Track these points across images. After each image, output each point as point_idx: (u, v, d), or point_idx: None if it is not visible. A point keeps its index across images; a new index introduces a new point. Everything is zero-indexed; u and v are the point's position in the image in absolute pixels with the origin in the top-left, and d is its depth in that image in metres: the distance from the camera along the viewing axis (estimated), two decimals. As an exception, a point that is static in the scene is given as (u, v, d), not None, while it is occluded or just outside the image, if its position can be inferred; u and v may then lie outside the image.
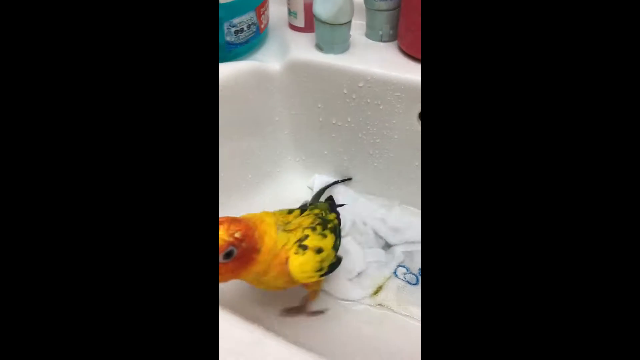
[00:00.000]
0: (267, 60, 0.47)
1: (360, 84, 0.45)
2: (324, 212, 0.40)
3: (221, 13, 0.41)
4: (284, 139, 0.53)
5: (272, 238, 0.33)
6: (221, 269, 0.30)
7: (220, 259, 0.29)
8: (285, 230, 0.35)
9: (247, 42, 0.45)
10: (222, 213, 0.47)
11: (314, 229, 0.36)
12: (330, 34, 0.44)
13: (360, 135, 0.49)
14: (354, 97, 0.46)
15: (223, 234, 0.29)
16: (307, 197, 0.53)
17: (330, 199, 0.48)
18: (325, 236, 0.36)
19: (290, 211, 0.39)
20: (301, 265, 0.33)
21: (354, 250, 0.47)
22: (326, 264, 0.35)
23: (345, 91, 0.46)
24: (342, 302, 0.43)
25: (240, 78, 0.45)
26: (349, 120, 0.48)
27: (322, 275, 0.35)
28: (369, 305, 0.43)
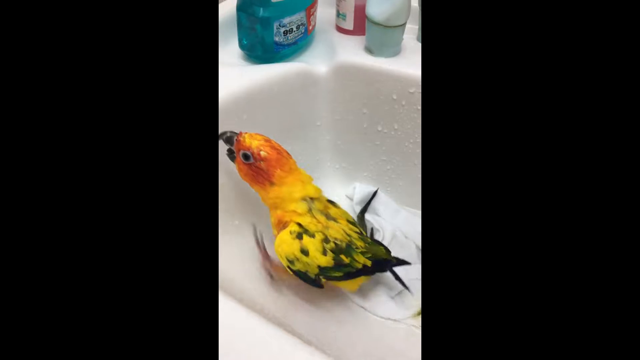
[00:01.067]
0: (313, 63, 0.46)
1: (412, 90, 0.42)
2: (361, 254, 0.36)
3: (271, 12, 0.40)
4: (325, 145, 0.51)
5: (290, 192, 0.34)
6: (238, 165, 0.35)
7: (239, 156, 0.34)
8: (311, 210, 0.35)
9: (295, 43, 0.44)
10: (254, 215, 0.45)
11: (326, 241, 0.35)
12: (382, 36, 0.42)
13: (406, 144, 0.46)
14: (403, 103, 0.44)
15: (252, 141, 0.33)
16: (345, 207, 0.51)
17: (402, 263, 0.40)
18: (324, 254, 0.34)
19: (346, 217, 0.38)
20: (281, 244, 0.34)
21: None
22: (297, 268, 0.35)
23: (394, 97, 0.44)
24: (384, 320, 0.40)
25: (285, 80, 0.43)
26: (396, 127, 0.46)
27: (289, 269, 0.35)
28: (413, 326, 0.40)
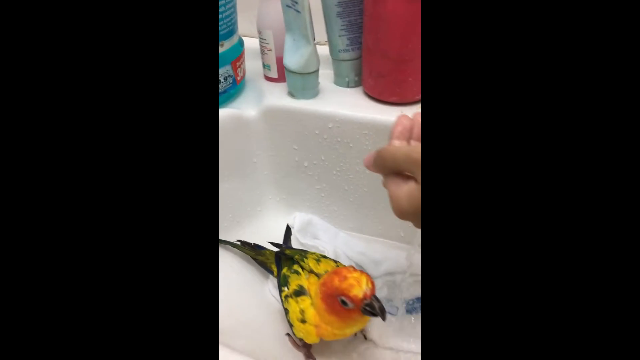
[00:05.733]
0: (244, 108, 0.51)
1: (330, 125, 0.49)
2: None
3: (199, 68, 0.46)
4: (264, 180, 0.56)
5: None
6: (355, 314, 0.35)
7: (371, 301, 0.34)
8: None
9: (224, 92, 0.49)
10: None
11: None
12: (300, 82, 0.48)
13: (334, 172, 0.52)
14: (325, 137, 0.50)
15: (370, 285, 0.34)
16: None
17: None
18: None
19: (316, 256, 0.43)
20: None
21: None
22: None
23: (317, 132, 0.50)
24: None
25: (219, 124, 0.48)
26: (323, 158, 0.52)
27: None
28: (353, 336, 0.43)
